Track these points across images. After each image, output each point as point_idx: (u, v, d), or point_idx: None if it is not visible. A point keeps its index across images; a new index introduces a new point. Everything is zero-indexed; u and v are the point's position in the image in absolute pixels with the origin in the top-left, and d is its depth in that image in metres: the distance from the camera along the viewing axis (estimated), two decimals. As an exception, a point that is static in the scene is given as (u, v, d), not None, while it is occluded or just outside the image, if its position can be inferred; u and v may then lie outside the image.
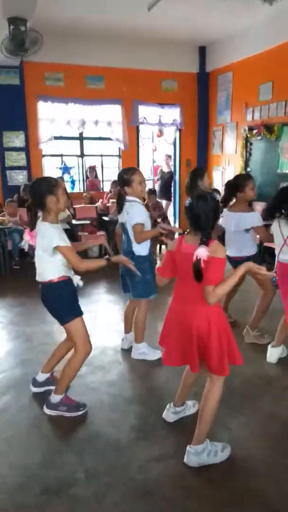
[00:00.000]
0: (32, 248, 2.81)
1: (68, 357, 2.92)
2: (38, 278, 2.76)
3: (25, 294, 5.30)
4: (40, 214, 2.70)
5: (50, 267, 2.68)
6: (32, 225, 2.73)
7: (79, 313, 2.80)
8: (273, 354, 3.50)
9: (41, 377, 3.10)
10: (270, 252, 6.27)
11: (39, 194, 2.62)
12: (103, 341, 3.96)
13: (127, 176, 3.44)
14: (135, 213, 3.37)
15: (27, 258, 6.74)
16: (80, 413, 2.83)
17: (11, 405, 2.96)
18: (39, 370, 3.15)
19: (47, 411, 2.85)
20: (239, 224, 3.69)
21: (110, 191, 8.33)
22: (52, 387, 2.95)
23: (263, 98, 7.21)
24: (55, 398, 2.84)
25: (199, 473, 2.30)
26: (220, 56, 8.30)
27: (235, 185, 3.82)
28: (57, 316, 2.81)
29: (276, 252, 3.33)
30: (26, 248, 2.97)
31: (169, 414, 2.73)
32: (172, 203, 9.39)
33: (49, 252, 2.62)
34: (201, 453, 2.34)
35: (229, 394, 2.79)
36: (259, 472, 2.31)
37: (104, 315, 4.71)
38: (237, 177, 4.01)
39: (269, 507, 2.07)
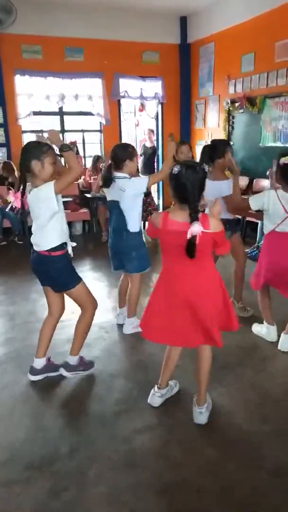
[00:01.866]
0: (16, 210, 2.78)
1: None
2: (37, 248, 2.78)
3: (7, 273, 5.25)
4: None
5: (50, 234, 2.71)
6: (18, 187, 2.72)
7: (80, 278, 2.93)
8: (285, 342, 3.35)
9: (38, 363, 3.01)
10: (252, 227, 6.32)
11: (24, 155, 2.62)
12: (87, 318, 3.96)
13: (131, 150, 3.48)
14: (138, 183, 3.38)
15: (10, 236, 6.68)
16: (92, 368, 3.06)
17: (-5, 384, 2.97)
18: (26, 352, 3.14)
19: (68, 374, 2.97)
20: (221, 194, 3.49)
21: (93, 167, 8.21)
22: (52, 374, 2.99)
23: (245, 69, 7.10)
24: (73, 359, 2.98)
25: (181, 443, 2.35)
26: (201, 27, 8.10)
27: (214, 150, 3.67)
28: (59, 284, 2.89)
29: (270, 224, 3.18)
30: (7, 209, 2.93)
31: (155, 398, 2.68)
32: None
33: (50, 214, 2.64)
34: (207, 409, 2.52)
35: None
36: (239, 439, 2.37)
37: (88, 292, 4.71)
38: (216, 141, 3.83)
39: (251, 471, 2.13)
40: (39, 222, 2.72)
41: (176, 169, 2.16)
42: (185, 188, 2.15)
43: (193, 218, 2.12)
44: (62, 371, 2.99)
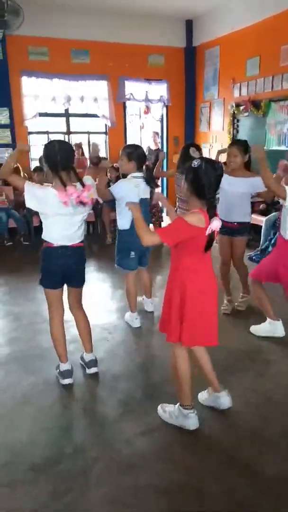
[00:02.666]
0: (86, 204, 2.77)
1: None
2: (71, 242, 2.80)
3: (12, 273, 5.28)
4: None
5: (82, 229, 2.87)
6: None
7: None
8: None
9: (67, 366, 3.00)
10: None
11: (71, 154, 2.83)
12: (90, 319, 3.97)
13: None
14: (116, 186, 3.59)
15: (15, 237, 6.72)
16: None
17: (-1, 384, 2.99)
18: (31, 352, 3.16)
19: (97, 369, 3.08)
20: (254, 189, 3.77)
21: (97, 169, 8.23)
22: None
23: (250, 73, 7.11)
24: (93, 355, 3.12)
25: (183, 445, 2.36)
26: (207, 30, 8.13)
27: (246, 148, 3.80)
28: (82, 277, 3.00)
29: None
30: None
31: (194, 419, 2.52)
32: (159, 180, 9.32)
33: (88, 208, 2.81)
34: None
35: (213, 367, 2.84)
36: (240, 442, 2.37)
37: (92, 293, 4.72)
38: (245, 141, 3.93)
39: (252, 474, 2.14)
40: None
41: (196, 163, 2.18)
42: (201, 183, 2.16)
43: (212, 213, 2.18)
44: (94, 369, 3.08)
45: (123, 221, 3.60)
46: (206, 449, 2.33)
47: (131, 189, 3.49)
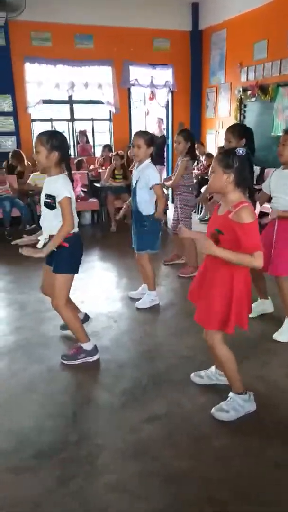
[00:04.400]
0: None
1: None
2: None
3: (17, 263, 5.26)
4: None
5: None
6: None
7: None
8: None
9: (91, 344, 3.10)
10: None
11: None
12: (96, 307, 3.98)
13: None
14: (152, 174, 3.66)
15: (19, 226, 6.69)
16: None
17: (4, 372, 2.99)
18: (36, 340, 3.18)
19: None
20: None
21: (102, 156, 8.17)
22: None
23: (258, 57, 6.98)
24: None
25: (188, 432, 2.36)
26: (213, 13, 7.97)
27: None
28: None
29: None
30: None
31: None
32: (165, 168, 9.25)
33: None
34: (226, 403, 2.51)
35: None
36: (246, 430, 2.36)
37: (97, 282, 4.71)
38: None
39: (259, 462, 2.14)
40: None
41: (241, 151, 2.14)
42: (250, 171, 2.17)
43: (254, 201, 2.23)
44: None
45: (151, 207, 3.72)
46: (210, 436, 2.32)
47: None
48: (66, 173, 2.84)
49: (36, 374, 2.95)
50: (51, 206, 2.79)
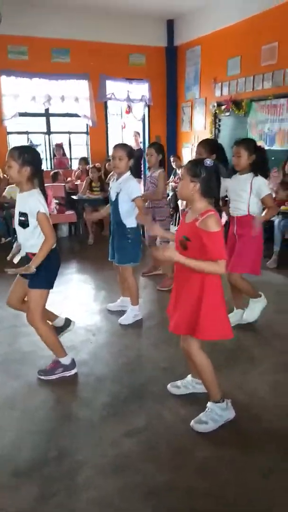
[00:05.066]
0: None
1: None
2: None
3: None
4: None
5: None
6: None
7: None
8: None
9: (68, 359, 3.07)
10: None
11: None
12: (74, 321, 3.93)
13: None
14: (135, 187, 3.67)
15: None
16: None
17: (-19, 388, 2.92)
18: (13, 356, 3.12)
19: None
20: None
21: (79, 169, 8.17)
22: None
23: (232, 73, 7.17)
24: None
25: (170, 444, 2.34)
26: (188, 30, 8.16)
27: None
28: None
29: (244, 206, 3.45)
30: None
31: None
32: (142, 181, 9.31)
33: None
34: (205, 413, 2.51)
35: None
36: (229, 440, 2.37)
37: (74, 295, 4.68)
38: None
39: (242, 471, 2.14)
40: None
41: (209, 162, 2.20)
42: (216, 182, 2.23)
43: (219, 210, 2.29)
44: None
45: (132, 219, 3.71)
46: (192, 448, 2.32)
47: None
48: (38, 188, 2.79)
49: (14, 390, 2.89)
50: (23, 224, 2.77)
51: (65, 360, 3.00)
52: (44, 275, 2.80)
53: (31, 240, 2.78)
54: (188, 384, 2.76)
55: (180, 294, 2.41)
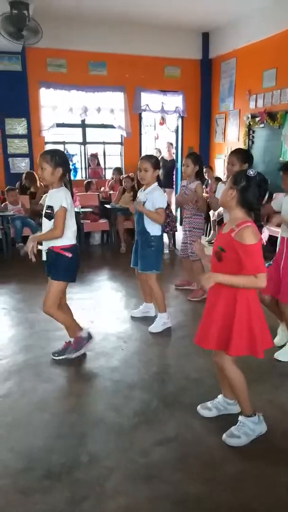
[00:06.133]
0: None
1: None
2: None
3: (27, 281, 5.32)
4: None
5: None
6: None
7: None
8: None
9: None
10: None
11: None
12: (105, 327, 3.99)
13: None
14: (159, 198, 3.72)
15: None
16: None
17: (14, 390, 2.99)
18: (45, 359, 3.30)
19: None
20: None
21: (112, 178, 8.29)
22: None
23: (267, 85, 7.14)
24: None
25: (200, 456, 2.33)
26: (223, 43, 8.20)
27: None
28: None
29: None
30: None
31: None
32: (174, 191, 9.36)
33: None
34: (237, 428, 2.47)
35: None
36: (259, 455, 2.33)
37: (106, 302, 4.74)
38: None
39: (271, 487, 2.10)
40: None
41: (252, 173, 2.18)
42: (257, 193, 2.18)
43: (259, 225, 2.21)
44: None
45: (157, 227, 3.79)
46: (222, 461, 2.29)
47: None
48: (68, 188, 3.06)
49: (46, 393, 2.94)
50: (49, 216, 3.00)
51: (83, 333, 3.31)
52: (64, 269, 3.10)
53: None
54: (219, 405, 2.67)
55: (211, 307, 2.37)
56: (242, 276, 2.15)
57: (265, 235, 2.19)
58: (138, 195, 3.96)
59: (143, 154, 8.74)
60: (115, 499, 2.05)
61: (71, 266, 3.13)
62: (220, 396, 2.70)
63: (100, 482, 2.15)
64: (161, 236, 3.87)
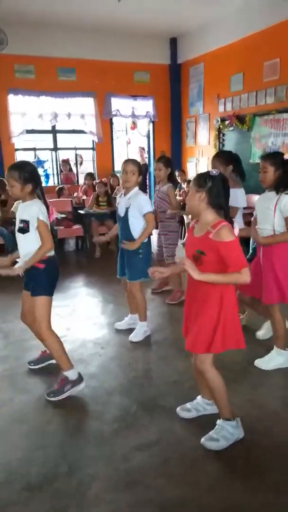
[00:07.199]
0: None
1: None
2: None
3: (0, 291, 5.21)
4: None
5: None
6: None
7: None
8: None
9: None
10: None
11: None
12: (82, 334, 3.94)
13: None
14: (145, 201, 3.67)
15: (2, 253, 6.63)
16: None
17: (-10, 402, 2.92)
18: (21, 370, 3.14)
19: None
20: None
21: (85, 184, 8.25)
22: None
23: (235, 89, 7.27)
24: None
25: (181, 459, 2.32)
26: (191, 48, 8.31)
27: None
28: None
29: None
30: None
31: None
32: (148, 195, 9.38)
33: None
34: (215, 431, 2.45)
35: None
36: (241, 455, 2.34)
37: (82, 308, 4.68)
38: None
39: (255, 488, 2.11)
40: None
41: (215, 172, 2.21)
42: (224, 192, 2.20)
43: (231, 222, 2.23)
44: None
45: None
46: (204, 463, 2.29)
47: None
48: (41, 200, 2.89)
49: (22, 404, 2.88)
50: (23, 230, 2.84)
51: (72, 375, 2.95)
52: (46, 282, 2.89)
53: (30, 247, 2.84)
54: (198, 406, 2.67)
55: (196, 312, 2.34)
56: (226, 273, 2.16)
57: (236, 231, 2.21)
58: (118, 201, 3.86)
59: (115, 159, 8.76)
60: (97, 507, 2.02)
61: (48, 279, 2.90)
62: (199, 397, 2.70)
63: (81, 491, 2.11)
64: (149, 242, 3.80)
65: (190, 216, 7.27)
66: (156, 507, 2.01)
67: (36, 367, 3.31)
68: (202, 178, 2.23)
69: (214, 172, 2.22)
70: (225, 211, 2.25)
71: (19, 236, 2.90)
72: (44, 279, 2.87)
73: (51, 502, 2.05)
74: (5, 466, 2.30)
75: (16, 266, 2.91)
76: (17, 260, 2.96)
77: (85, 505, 2.03)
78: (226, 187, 2.23)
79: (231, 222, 2.23)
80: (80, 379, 2.99)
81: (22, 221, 2.85)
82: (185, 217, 7.34)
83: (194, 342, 2.33)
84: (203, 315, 2.30)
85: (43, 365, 3.32)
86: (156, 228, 4.65)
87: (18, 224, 2.88)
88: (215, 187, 2.20)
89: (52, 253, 2.92)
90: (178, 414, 2.67)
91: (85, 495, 2.09)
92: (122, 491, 2.12)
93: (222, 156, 3.75)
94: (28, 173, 2.78)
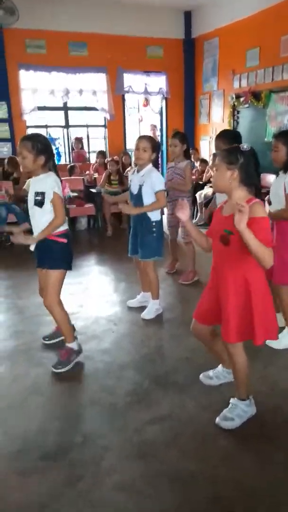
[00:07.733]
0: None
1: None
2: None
3: (15, 267, 5.27)
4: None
5: None
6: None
7: None
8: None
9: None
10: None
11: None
12: (95, 311, 3.99)
13: None
14: (158, 179, 3.61)
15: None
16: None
17: (6, 376, 2.98)
18: (36, 344, 3.24)
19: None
20: None
21: (96, 162, 8.21)
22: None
23: (250, 64, 7.09)
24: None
25: (193, 433, 2.37)
26: (206, 22, 8.09)
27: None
28: None
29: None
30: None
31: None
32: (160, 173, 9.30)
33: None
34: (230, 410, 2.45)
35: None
36: (251, 431, 2.37)
37: (95, 286, 4.73)
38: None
39: (266, 462, 2.15)
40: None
41: (246, 147, 2.07)
42: (256, 167, 2.08)
43: (263, 200, 2.13)
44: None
45: (156, 212, 3.69)
46: (217, 438, 2.33)
47: None
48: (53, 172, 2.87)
49: (39, 377, 2.95)
50: (40, 203, 2.80)
51: (74, 345, 3.08)
52: (61, 257, 2.93)
53: (44, 219, 2.83)
54: (220, 375, 2.73)
55: (221, 296, 2.25)
56: (264, 247, 1.96)
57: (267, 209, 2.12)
58: (130, 179, 3.84)
59: (127, 136, 8.67)
60: (111, 477, 2.08)
61: (67, 253, 2.95)
62: (220, 366, 2.76)
63: (95, 462, 2.17)
64: (161, 220, 3.77)
65: (203, 195, 7.22)
66: (168, 478, 2.07)
67: (50, 342, 3.38)
68: (232, 154, 2.06)
69: (245, 146, 2.08)
70: (257, 189, 2.12)
71: (35, 211, 2.86)
72: (64, 252, 2.93)
73: (67, 472, 2.11)
74: (22, 437, 2.36)
75: (32, 248, 2.94)
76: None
77: (100, 475, 2.09)
78: (258, 163, 2.10)
79: (263, 201, 2.12)
80: (80, 349, 3.13)
81: (38, 193, 2.81)
82: (197, 196, 7.28)
83: (226, 331, 2.26)
84: (229, 301, 2.21)
85: (57, 340, 3.38)
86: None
87: (33, 198, 2.84)
88: (247, 164, 2.06)
89: (66, 226, 2.95)
90: (201, 380, 2.76)
91: (99, 465, 2.15)
92: (135, 462, 2.17)
93: (226, 136, 3.61)
94: (41, 144, 2.74)
